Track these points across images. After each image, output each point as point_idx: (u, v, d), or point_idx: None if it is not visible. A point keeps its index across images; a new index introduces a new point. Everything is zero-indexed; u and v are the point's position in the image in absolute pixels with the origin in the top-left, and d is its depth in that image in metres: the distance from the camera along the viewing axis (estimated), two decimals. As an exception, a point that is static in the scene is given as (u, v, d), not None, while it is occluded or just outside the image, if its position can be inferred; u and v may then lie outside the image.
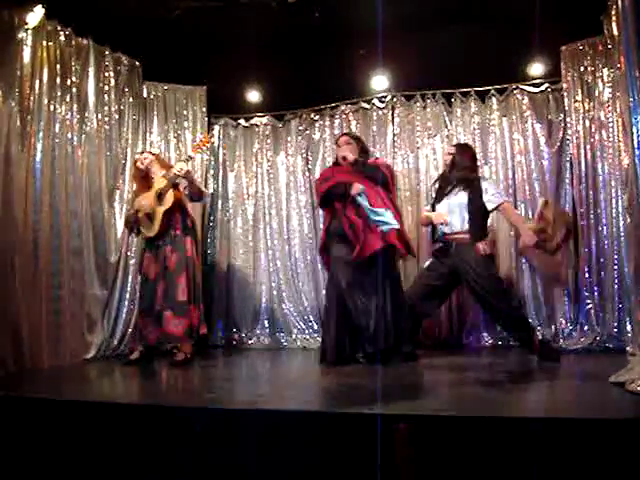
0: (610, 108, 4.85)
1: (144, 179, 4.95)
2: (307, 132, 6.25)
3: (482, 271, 4.30)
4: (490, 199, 4.43)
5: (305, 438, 2.57)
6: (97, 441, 2.84)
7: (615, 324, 4.81)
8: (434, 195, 4.83)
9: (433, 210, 4.64)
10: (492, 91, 5.68)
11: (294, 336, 5.95)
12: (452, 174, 4.59)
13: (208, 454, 2.65)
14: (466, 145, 4.95)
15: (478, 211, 4.44)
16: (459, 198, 4.49)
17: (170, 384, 4.15)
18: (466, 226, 4.43)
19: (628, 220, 4.36)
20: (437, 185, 4.81)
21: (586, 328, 5.03)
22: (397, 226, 4.31)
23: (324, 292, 5.76)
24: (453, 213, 4.47)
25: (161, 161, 5.09)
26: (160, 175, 4.84)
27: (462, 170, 4.57)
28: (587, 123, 5.12)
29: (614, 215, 4.83)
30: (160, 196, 4.73)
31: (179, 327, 4.60)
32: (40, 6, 4.57)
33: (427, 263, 4.74)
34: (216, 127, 6.42)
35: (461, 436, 2.42)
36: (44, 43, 4.79)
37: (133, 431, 2.82)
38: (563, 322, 5.16)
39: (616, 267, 4.81)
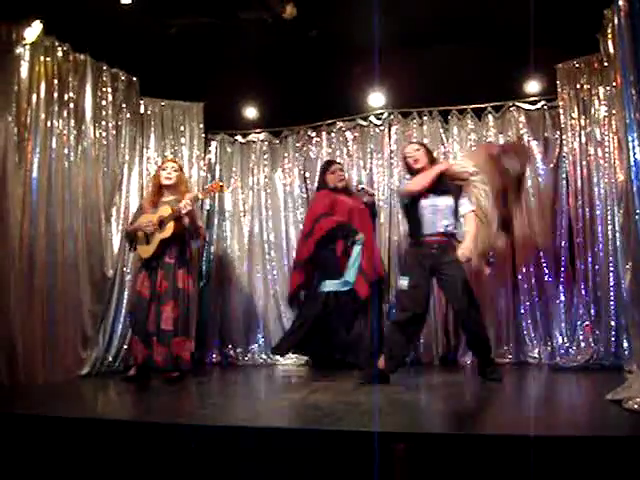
0: (606, 126, 4.87)
1: (158, 193, 4.93)
2: (304, 149, 6.26)
3: (456, 272, 4.25)
4: (463, 203, 4.39)
5: (300, 456, 2.55)
6: (91, 458, 2.81)
7: (612, 341, 4.80)
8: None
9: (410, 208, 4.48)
10: (488, 108, 5.71)
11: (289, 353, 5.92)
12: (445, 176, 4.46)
13: (203, 471, 2.62)
14: None
15: (456, 215, 4.41)
16: (445, 200, 4.38)
17: (164, 401, 4.11)
18: (449, 228, 4.36)
19: (624, 237, 4.37)
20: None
21: (583, 345, 5.02)
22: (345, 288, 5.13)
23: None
24: (437, 214, 4.36)
25: (181, 178, 5.04)
26: (170, 199, 4.84)
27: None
28: (583, 140, 5.15)
29: (610, 232, 4.81)
30: (162, 223, 4.73)
31: (161, 355, 4.60)
32: (38, 22, 4.58)
33: (405, 282, 4.33)
34: (213, 143, 6.42)
35: (459, 454, 2.40)
36: (42, 58, 4.80)
37: (128, 448, 2.79)
38: (560, 339, 5.16)
39: (612, 284, 4.79)
